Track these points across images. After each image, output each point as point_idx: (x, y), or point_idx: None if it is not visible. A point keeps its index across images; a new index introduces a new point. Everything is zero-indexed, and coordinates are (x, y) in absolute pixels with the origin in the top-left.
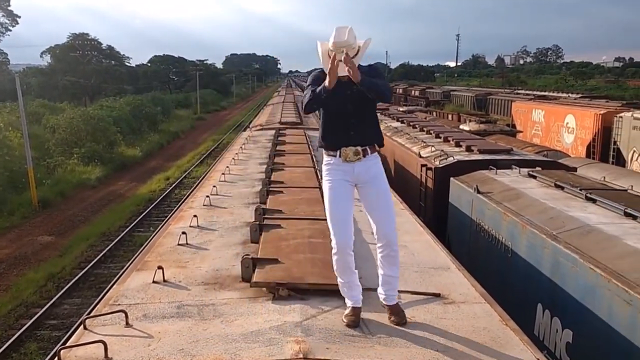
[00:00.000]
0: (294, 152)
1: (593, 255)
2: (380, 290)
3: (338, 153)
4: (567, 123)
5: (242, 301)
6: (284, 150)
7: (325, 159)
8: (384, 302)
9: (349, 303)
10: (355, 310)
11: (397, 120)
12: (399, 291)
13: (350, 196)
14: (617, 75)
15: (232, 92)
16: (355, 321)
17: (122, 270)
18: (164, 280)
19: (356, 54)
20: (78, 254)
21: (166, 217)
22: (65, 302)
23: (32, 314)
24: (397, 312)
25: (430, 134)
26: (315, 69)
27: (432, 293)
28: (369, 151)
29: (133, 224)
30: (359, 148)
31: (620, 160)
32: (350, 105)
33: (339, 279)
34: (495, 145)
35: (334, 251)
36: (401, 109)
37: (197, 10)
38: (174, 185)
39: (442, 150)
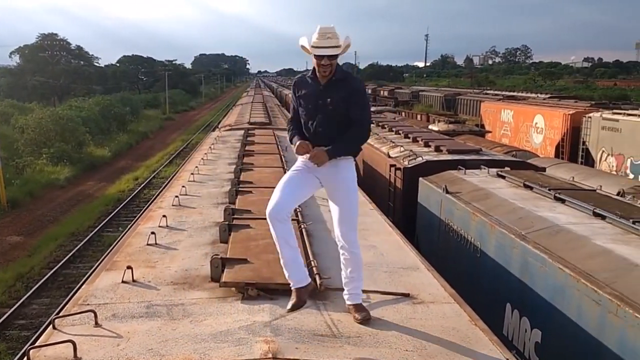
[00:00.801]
0: (263, 152)
1: (562, 255)
2: (345, 290)
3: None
4: (536, 123)
5: (211, 301)
6: (253, 151)
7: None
8: (347, 302)
9: (292, 285)
10: (299, 292)
11: None
12: (368, 291)
13: (308, 182)
14: (586, 76)
15: (201, 92)
16: (298, 303)
17: (91, 270)
18: (133, 280)
19: (338, 47)
20: (47, 254)
21: (135, 217)
22: (34, 302)
23: (0, 314)
24: (361, 310)
25: (399, 134)
26: (284, 69)
27: (401, 293)
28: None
29: (102, 224)
30: None
31: (589, 161)
32: (319, 118)
33: (280, 256)
34: (464, 145)
35: (268, 219)
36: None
37: (167, 10)
38: (142, 185)
39: (411, 151)
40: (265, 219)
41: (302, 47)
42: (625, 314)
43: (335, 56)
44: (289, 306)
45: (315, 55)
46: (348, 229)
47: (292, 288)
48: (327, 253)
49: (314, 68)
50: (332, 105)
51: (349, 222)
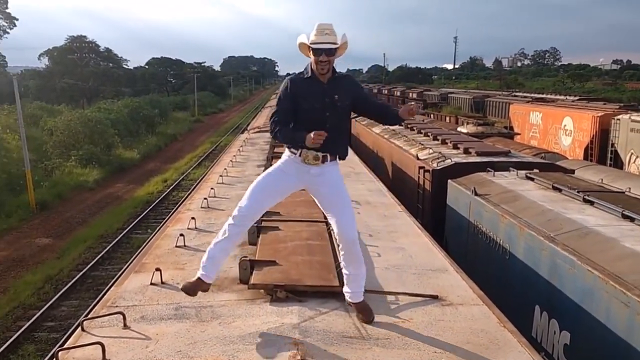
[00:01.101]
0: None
1: (591, 257)
2: (346, 289)
3: (299, 152)
4: (565, 125)
5: (240, 303)
6: (282, 153)
7: (286, 152)
8: (350, 300)
9: (199, 273)
10: (199, 282)
11: None
12: (397, 293)
13: (284, 189)
14: (615, 78)
15: (230, 95)
16: (191, 290)
17: (120, 272)
18: (162, 282)
19: (336, 49)
20: (76, 256)
21: (164, 219)
22: (63, 304)
23: (29, 316)
24: (364, 309)
25: (428, 136)
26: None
27: (430, 295)
28: (328, 158)
29: (131, 226)
30: (320, 154)
31: (617, 163)
32: (327, 116)
33: (209, 248)
34: (493, 147)
35: (231, 217)
36: None
37: (195, 13)
38: (171, 187)
39: (439, 153)
40: (294, 220)
41: (301, 44)
42: None
43: (334, 53)
44: (184, 283)
45: (313, 51)
46: (352, 227)
47: (199, 276)
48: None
49: (309, 68)
50: (340, 101)
51: (352, 221)
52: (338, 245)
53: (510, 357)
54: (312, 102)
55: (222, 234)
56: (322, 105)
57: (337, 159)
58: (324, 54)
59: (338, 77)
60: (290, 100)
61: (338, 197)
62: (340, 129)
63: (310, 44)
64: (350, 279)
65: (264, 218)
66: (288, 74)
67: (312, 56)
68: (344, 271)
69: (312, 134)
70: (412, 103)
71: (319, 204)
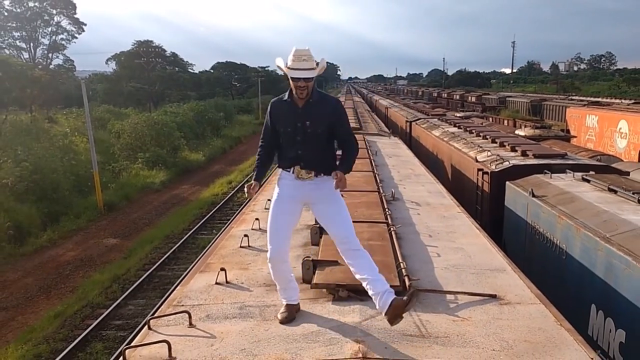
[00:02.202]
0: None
1: None
2: (370, 293)
3: (292, 170)
4: (620, 128)
5: (303, 302)
6: None
7: (280, 172)
8: (378, 304)
9: (283, 301)
10: (289, 307)
11: (454, 126)
12: (456, 292)
13: (293, 211)
14: None
15: None
16: (289, 317)
17: (186, 272)
18: (227, 282)
19: (314, 70)
20: (142, 256)
21: (229, 220)
22: (130, 303)
23: (97, 315)
24: (393, 309)
25: (487, 139)
26: (374, 75)
27: (488, 294)
28: (322, 173)
29: (196, 227)
30: (312, 170)
31: None
32: (298, 140)
33: (275, 282)
34: (550, 150)
35: (268, 257)
36: (458, 115)
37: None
38: (236, 189)
39: (498, 155)
40: (355, 222)
41: (278, 67)
42: None
43: (311, 78)
44: (279, 317)
45: (291, 77)
46: (351, 233)
47: (284, 304)
48: (416, 255)
49: (290, 90)
50: (311, 128)
51: (350, 228)
52: (345, 259)
53: (567, 354)
54: (285, 125)
55: (276, 278)
56: (293, 130)
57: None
58: (302, 79)
59: (316, 101)
60: (271, 122)
61: (336, 209)
62: (317, 151)
63: (289, 68)
64: (372, 282)
65: None
66: (350, 78)
67: (290, 81)
68: (362, 277)
69: (245, 187)
70: (340, 179)
71: (318, 219)
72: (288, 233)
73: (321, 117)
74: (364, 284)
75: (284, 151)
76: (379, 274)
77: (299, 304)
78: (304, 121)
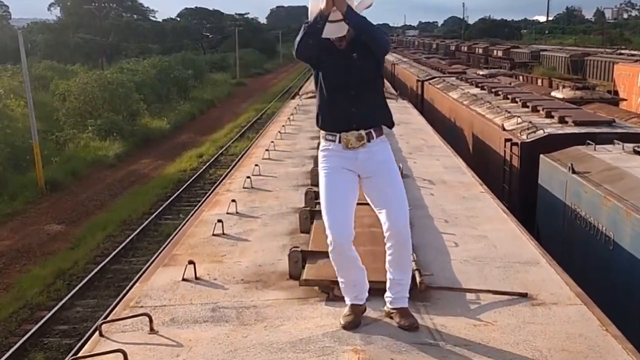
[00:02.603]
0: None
1: None
2: (388, 293)
3: (337, 138)
4: None
5: (290, 303)
6: None
7: (323, 143)
8: (390, 306)
9: (347, 300)
10: (354, 309)
11: (476, 86)
12: (478, 290)
13: (352, 186)
14: None
15: (279, 53)
16: (354, 322)
17: (146, 266)
18: (196, 278)
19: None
20: (93, 246)
21: (199, 202)
22: (77, 304)
23: (38, 318)
24: (407, 315)
25: (516, 102)
26: (378, 25)
27: (518, 293)
28: (374, 135)
29: (159, 211)
30: (363, 132)
31: None
32: (350, 75)
33: (339, 278)
34: (594, 115)
35: (330, 248)
36: (481, 73)
37: None
38: (208, 164)
39: (530, 122)
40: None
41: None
42: None
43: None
44: (342, 321)
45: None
46: (406, 220)
47: (349, 303)
48: (429, 245)
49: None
50: (359, 61)
51: (404, 217)
52: (385, 244)
53: None
54: (328, 61)
55: (341, 268)
56: (339, 67)
57: (383, 136)
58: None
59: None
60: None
61: (391, 187)
62: (370, 94)
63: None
64: (393, 284)
65: (318, 201)
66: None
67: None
68: (388, 275)
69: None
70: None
71: (365, 193)
72: (350, 212)
73: (367, 47)
74: (388, 282)
75: (329, 102)
76: (409, 279)
77: (366, 305)
78: (351, 54)
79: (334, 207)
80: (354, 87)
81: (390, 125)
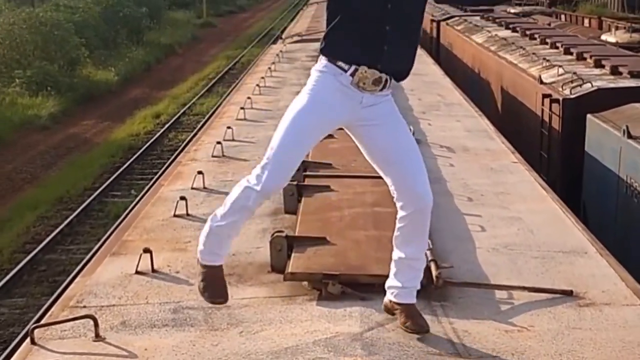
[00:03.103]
0: None
1: None
2: (393, 281)
3: (352, 70)
4: None
5: (272, 302)
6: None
7: (326, 66)
8: (395, 299)
9: (206, 260)
10: (214, 270)
11: (507, 28)
12: (511, 287)
13: (323, 129)
14: None
15: None
16: (212, 287)
17: (90, 256)
18: (153, 271)
19: None
20: (21, 230)
21: (156, 174)
22: (2, 304)
23: None
24: (414, 315)
25: (557, 48)
26: None
27: (561, 290)
28: (389, 83)
29: (105, 185)
30: (384, 76)
31: None
32: (389, 9)
33: (218, 219)
34: None
35: (253, 175)
36: (513, 11)
37: None
38: (167, 126)
39: (574, 73)
40: (352, 177)
41: None
42: None
43: None
44: (197, 285)
45: None
46: (426, 182)
47: (208, 264)
48: (447, 230)
49: None
50: (408, 9)
51: (422, 173)
52: (397, 216)
53: None
54: (365, 2)
55: (234, 203)
56: (379, 10)
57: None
58: None
59: None
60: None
61: (401, 138)
62: (412, 30)
63: None
64: (402, 266)
65: (308, 174)
66: None
67: None
68: (394, 254)
69: None
70: None
71: (366, 153)
72: (301, 153)
73: None
74: (392, 264)
75: (355, 28)
76: (424, 260)
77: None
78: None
79: (294, 149)
80: (391, 21)
81: (406, 76)
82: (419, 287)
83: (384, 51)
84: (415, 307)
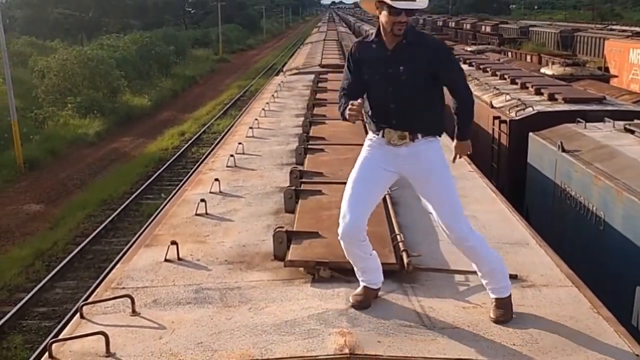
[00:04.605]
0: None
1: None
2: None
3: (381, 133)
4: None
5: (275, 284)
6: (326, 100)
7: (369, 134)
8: (491, 296)
9: (362, 283)
10: (367, 291)
11: (465, 63)
12: (465, 271)
13: (381, 180)
14: None
15: (262, 28)
16: (363, 303)
17: (128, 247)
18: (179, 259)
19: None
20: (73, 226)
21: (181, 181)
22: (57, 285)
23: (16, 300)
24: (499, 307)
25: (505, 79)
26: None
27: (508, 274)
28: (419, 135)
29: (140, 190)
30: (406, 132)
31: None
32: (390, 91)
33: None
34: (584, 92)
35: (339, 236)
36: (469, 49)
37: None
38: (190, 142)
39: (519, 99)
40: (340, 183)
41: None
42: None
43: (416, 11)
44: (351, 300)
45: (391, 9)
46: (455, 220)
47: (362, 285)
48: (416, 225)
49: (378, 28)
50: (405, 75)
51: (454, 213)
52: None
53: (605, 348)
54: (373, 72)
55: (352, 257)
56: (382, 78)
57: (436, 137)
58: (404, 13)
59: (408, 42)
60: (353, 69)
61: (434, 182)
62: (413, 106)
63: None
64: (481, 277)
65: (304, 180)
66: (333, 3)
67: (384, 13)
68: (480, 275)
69: (348, 108)
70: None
71: (419, 195)
72: (370, 205)
73: (419, 61)
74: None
75: (372, 109)
76: (494, 267)
77: (379, 289)
78: (396, 67)
79: (353, 196)
80: (393, 101)
81: (437, 133)
82: (501, 285)
83: (392, 109)
84: (501, 301)
